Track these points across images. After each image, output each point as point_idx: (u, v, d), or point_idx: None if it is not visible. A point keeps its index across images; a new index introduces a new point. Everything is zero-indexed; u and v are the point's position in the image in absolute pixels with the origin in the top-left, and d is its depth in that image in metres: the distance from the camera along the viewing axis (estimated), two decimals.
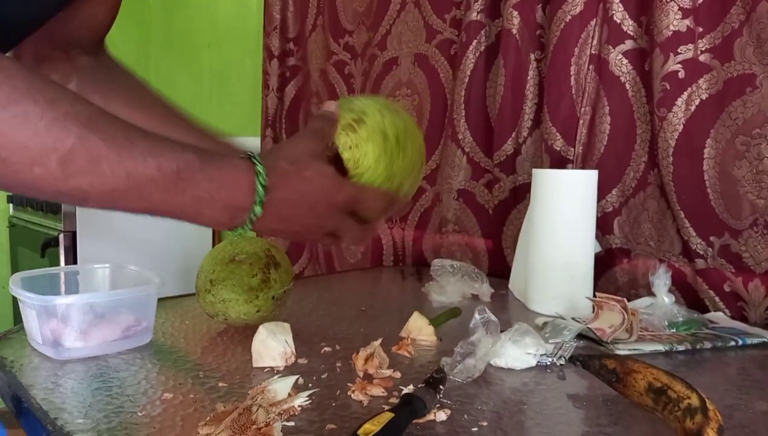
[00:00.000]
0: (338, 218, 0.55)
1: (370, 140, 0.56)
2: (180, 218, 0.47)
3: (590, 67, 1.09)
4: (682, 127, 0.97)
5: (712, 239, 0.95)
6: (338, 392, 0.61)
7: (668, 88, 0.97)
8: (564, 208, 0.94)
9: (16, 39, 0.60)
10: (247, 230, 0.51)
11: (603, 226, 1.08)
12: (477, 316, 0.68)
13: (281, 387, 0.58)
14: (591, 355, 0.65)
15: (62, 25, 0.71)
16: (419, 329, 0.79)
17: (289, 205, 0.51)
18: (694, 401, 0.50)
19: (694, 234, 0.96)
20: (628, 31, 1.05)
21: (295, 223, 0.53)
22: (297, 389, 0.60)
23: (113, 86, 0.73)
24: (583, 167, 1.11)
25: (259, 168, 0.49)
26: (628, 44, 1.05)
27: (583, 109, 1.11)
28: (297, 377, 0.62)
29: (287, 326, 0.71)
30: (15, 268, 2.31)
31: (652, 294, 0.86)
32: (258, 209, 0.49)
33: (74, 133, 0.41)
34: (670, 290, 0.85)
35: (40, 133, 0.40)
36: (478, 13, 1.23)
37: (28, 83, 0.41)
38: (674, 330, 0.82)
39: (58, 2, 0.60)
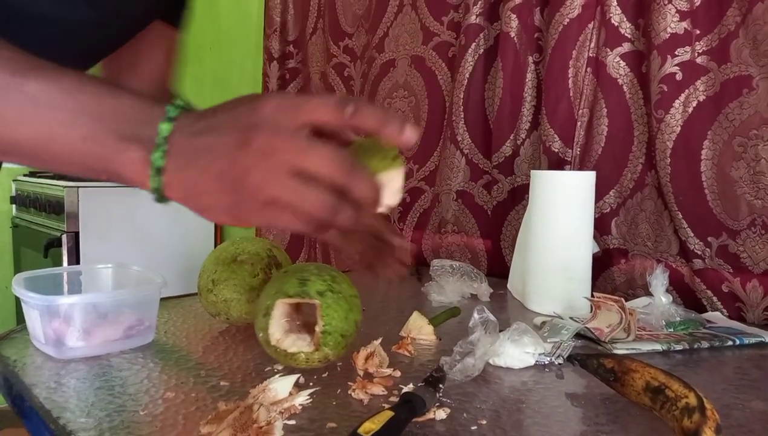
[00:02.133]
0: (284, 166, 0.35)
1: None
2: (73, 147, 0.36)
3: (588, 69, 1.10)
4: (679, 128, 0.98)
5: (709, 239, 0.96)
6: (339, 390, 0.61)
7: (666, 90, 0.98)
8: (562, 209, 0.95)
9: (104, 54, 0.57)
10: (158, 186, 0.37)
11: (601, 226, 1.09)
12: (476, 315, 0.69)
13: (282, 386, 0.59)
14: (589, 354, 0.65)
15: (116, 73, 0.70)
16: (419, 329, 0.79)
17: (206, 125, 0.38)
18: (692, 400, 0.51)
19: (692, 235, 0.97)
20: (626, 34, 1.05)
21: (213, 166, 0.36)
22: (298, 387, 0.61)
23: None
24: (580, 169, 1.11)
25: (177, 100, 0.39)
26: (626, 47, 1.06)
27: (580, 111, 1.11)
28: (298, 376, 0.63)
29: None
30: (18, 268, 2.31)
31: (649, 294, 0.86)
32: (165, 126, 0.36)
33: None
34: (667, 290, 0.85)
35: None
36: (476, 16, 1.24)
37: None
38: (672, 330, 0.83)
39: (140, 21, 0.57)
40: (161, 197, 0.38)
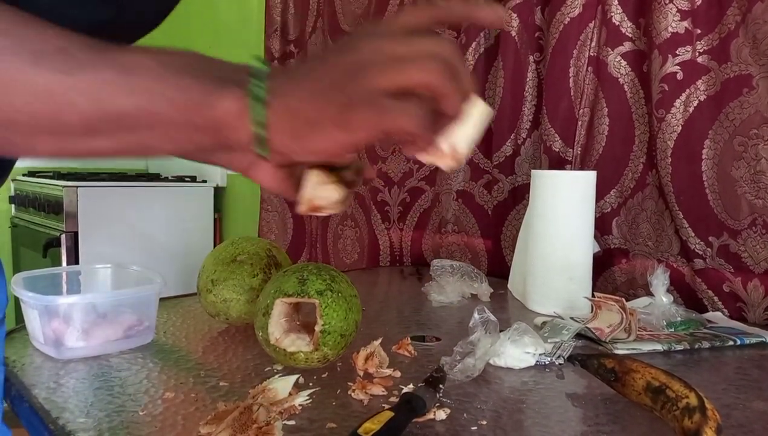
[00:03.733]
0: (372, 70, 0.34)
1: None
2: (175, 104, 0.35)
3: (589, 68, 1.10)
4: (680, 128, 0.97)
5: (710, 239, 0.95)
6: (338, 391, 0.61)
7: (666, 89, 0.98)
8: (562, 209, 0.95)
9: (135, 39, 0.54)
10: (260, 114, 0.35)
11: (601, 226, 1.09)
12: (476, 315, 0.69)
13: (282, 386, 0.58)
14: (590, 354, 0.65)
15: None
16: (315, 187, 0.47)
17: (301, 72, 0.37)
18: (693, 400, 0.51)
19: (693, 234, 0.97)
20: (627, 33, 1.05)
21: (316, 78, 0.35)
22: (297, 388, 0.61)
23: None
24: (581, 168, 1.11)
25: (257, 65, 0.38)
26: (627, 46, 1.06)
27: (581, 110, 1.11)
28: (297, 376, 0.63)
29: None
30: (17, 268, 2.31)
31: (650, 294, 0.86)
32: (257, 84, 0.36)
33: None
34: (668, 290, 0.85)
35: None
36: None
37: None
38: (672, 330, 0.82)
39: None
40: (262, 141, 0.36)
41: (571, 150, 1.12)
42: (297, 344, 0.63)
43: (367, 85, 0.34)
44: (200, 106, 0.35)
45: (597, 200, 1.03)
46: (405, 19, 0.36)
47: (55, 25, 0.34)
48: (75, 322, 0.70)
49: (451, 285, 1.03)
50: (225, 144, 0.37)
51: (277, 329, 0.64)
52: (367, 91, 0.34)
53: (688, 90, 0.97)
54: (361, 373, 0.66)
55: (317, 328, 0.62)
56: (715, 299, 0.95)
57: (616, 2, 1.05)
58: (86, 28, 0.38)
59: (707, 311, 0.95)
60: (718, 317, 0.92)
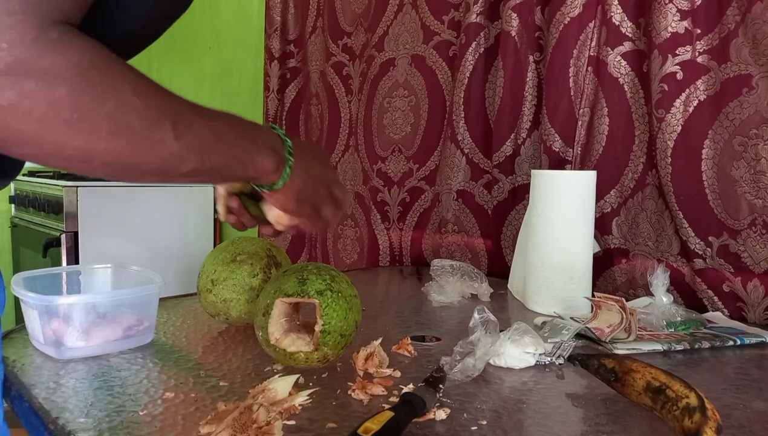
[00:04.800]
0: (328, 190, 0.65)
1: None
2: (242, 162, 0.53)
3: (589, 68, 1.09)
4: (680, 128, 0.97)
5: (710, 239, 0.95)
6: (338, 391, 0.61)
7: (666, 89, 0.98)
8: (563, 209, 0.95)
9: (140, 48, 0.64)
10: (280, 185, 0.58)
11: (601, 226, 1.09)
12: (476, 315, 0.69)
13: (282, 386, 0.58)
14: (590, 354, 0.65)
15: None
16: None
17: (306, 158, 0.61)
18: (693, 400, 0.51)
19: (693, 234, 0.97)
20: (627, 33, 1.05)
21: (310, 182, 0.62)
22: (297, 388, 0.61)
23: None
24: (581, 168, 1.11)
25: (279, 132, 0.59)
26: (627, 46, 1.06)
27: (581, 110, 1.11)
28: (297, 376, 0.63)
29: None
30: (17, 268, 2.31)
31: (650, 294, 0.86)
32: (289, 159, 0.58)
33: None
34: (668, 290, 0.85)
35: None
36: (477, 15, 1.24)
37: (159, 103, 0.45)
38: (672, 330, 0.82)
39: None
40: (272, 188, 0.59)
41: (571, 150, 1.12)
42: (297, 344, 0.63)
43: (327, 191, 0.65)
44: (252, 162, 0.55)
45: (597, 200, 1.03)
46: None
47: (168, 90, 0.46)
48: (75, 322, 0.70)
49: (451, 285, 1.03)
50: (254, 180, 0.58)
51: (277, 329, 0.64)
52: (325, 195, 0.65)
53: (687, 90, 0.97)
54: (361, 373, 0.66)
55: (317, 328, 0.62)
56: (715, 299, 0.95)
57: (616, 2, 1.05)
58: (120, 38, 0.46)
59: (707, 311, 0.95)
60: (718, 317, 0.92)
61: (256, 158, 0.54)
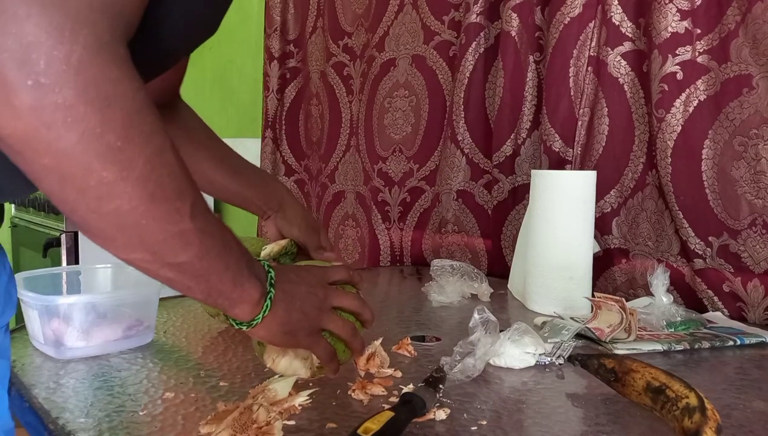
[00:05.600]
0: (327, 313, 0.56)
1: None
2: (233, 276, 0.48)
3: (589, 68, 1.09)
4: (680, 128, 0.97)
5: (710, 239, 0.95)
6: (338, 391, 0.61)
7: (666, 89, 0.98)
8: (563, 209, 0.95)
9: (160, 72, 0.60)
10: (254, 324, 0.51)
11: (601, 226, 1.09)
12: (476, 315, 0.69)
13: (282, 386, 0.58)
14: (590, 354, 0.65)
15: None
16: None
17: (292, 295, 0.54)
18: (693, 400, 0.51)
19: (693, 234, 0.97)
20: (627, 33, 1.05)
21: (294, 310, 0.54)
22: (298, 388, 0.61)
23: (196, 142, 0.76)
24: (581, 168, 1.11)
25: (264, 263, 0.53)
26: (627, 46, 1.05)
27: (581, 110, 1.11)
28: (297, 376, 0.63)
29: None
30: (17, 268, 2.30)
31: (650, 294, 0.86)
32: (271, 290, 0.51)
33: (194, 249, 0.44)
34: (668, 290, 0.85)
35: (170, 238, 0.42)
36: (477, 15, 1.24)
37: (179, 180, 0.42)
38: (672, 330, 0.82)
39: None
40: (251, 325, 0.51)
41: (571, 150, 1.12)
42: (294, 367, 0.58)
43: (314, 324, 0.55)
44: (232, 282, 0.48)
45: (597, 200, 1.03)
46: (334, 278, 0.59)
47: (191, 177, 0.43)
48: (75, 322, 0.70)
49: (451, 285, 1.03)
50: (229, 309, 0.50)
51: (274, 350, 0.58)
52: (312, 327, 0.55)
53: (688, 90, 0.97)
54: (363, 373, 0.66)
55: (315, 361, 0.58)
56: (715, 299, 0.95)
57: (616, 2, 1.05)
58: (153, 60, 0.44)
59: (707, 311, 0.95)
60: (718, 317, 0.92)
61: (245, 283, 0.48)
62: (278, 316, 0.51)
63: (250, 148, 1.69)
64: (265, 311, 0.50)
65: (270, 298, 0.50)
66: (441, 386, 0.59)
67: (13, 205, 2.33)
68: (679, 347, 0.77)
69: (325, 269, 0.60)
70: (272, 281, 0.51)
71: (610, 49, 1.06)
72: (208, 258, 0.45)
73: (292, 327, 0.53)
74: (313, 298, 0.55)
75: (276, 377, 0.62)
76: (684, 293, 0.99)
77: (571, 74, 1.11)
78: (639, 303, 0.89)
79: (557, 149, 1.13)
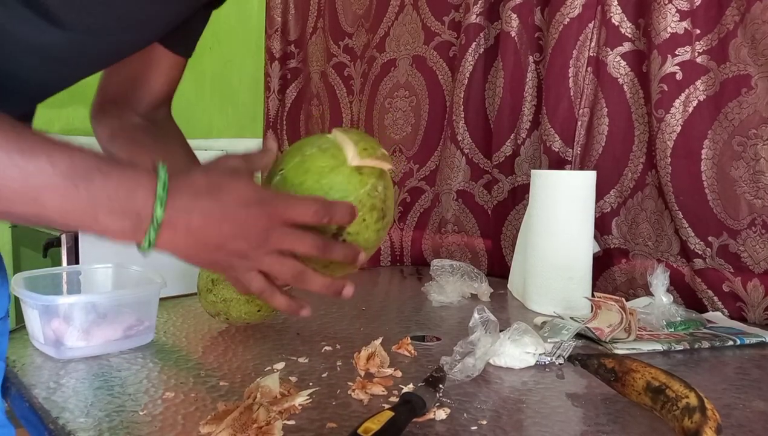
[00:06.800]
0: (266, 247, 0.46)
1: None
2: (76, 224, 0.43)
3: (588, 69, 1.10)
4: (680, 128, 0.97)
5: (710, 239, 0.95)
6: (339, 390, 0.61)
7: (666, 89, 0.98)
8: (562, 209, 0.95)
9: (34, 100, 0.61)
10: (149, 249, 0.44)
11: (601, 226, 1.09)
12: (476, 315, 0.69)
13: (271, 381, 0.59)
14: (589, 354, 0.65)
15: (114, 87, 0.75)
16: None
17: (199, 213, 0.44)
18: (693, 400, 0.51)
19: (693, 234, 0.97)
20: (626, 34, 1.05)
21: (209, 242, 0.45)
22: (298, 388, 0.61)
23: (157, 147, 0.74)
24: (581, 168, 1.11)
25: (161, 170, 0.44)
26: (626, 46, 1.06)
27: (581, 110, 1.11)
28: (278, 372, 0.63)
29: None
30: (17, 268, 2.31)
31: (650, 294, 0.86)
32: (159, 212, 0.43)
33: None
34: (668, 290, 0.85)
35: None
36: (477, 15, 1.24)
37: None
38: (672, 330, 0.82)
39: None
40: (143, 250, 0.45)
41: (570, 150, 1.12)
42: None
43: (245, 272, 0.49)
44: (94, 227, 0.44)
45: (597, 200, 1.03)
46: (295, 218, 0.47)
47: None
48: (75, 322, 0.70)
49: (451, 285, 1.03)
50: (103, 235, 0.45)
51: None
52: (246, 269, 0.48)
53: (687, 90, 0.97)
54: (363, 373, 0.66)
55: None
56: (715, 299, 0.95)
57: (616, 2, 1.05)
58: (49, 50, 0.44)
59: (707, 311, 0.95)
60: (718, 317, 0.92)
61: (96, 220, 0.42)
62: (178, 246, 0.44)
63: (250, 149, 1.69)
64: (150, 240, 0.43)
65: (154, 227, 0.43)
66: (441, 385, 0.59)
67: None
68: (679, 347, 0.77)
69: (288, 201, 0.48)
70: (162, 201, 0.43)
71: (609, 50, 1.06)
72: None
73: (202, 261, 0.47)
74: (240, 231, 0.45)
75: (276, 373, 0.62)
76: (684, 293, 0.99)
77: (570, 74, 1.11)
78: (639, 303, 0.90)
79: (557, 149, 1.13)
